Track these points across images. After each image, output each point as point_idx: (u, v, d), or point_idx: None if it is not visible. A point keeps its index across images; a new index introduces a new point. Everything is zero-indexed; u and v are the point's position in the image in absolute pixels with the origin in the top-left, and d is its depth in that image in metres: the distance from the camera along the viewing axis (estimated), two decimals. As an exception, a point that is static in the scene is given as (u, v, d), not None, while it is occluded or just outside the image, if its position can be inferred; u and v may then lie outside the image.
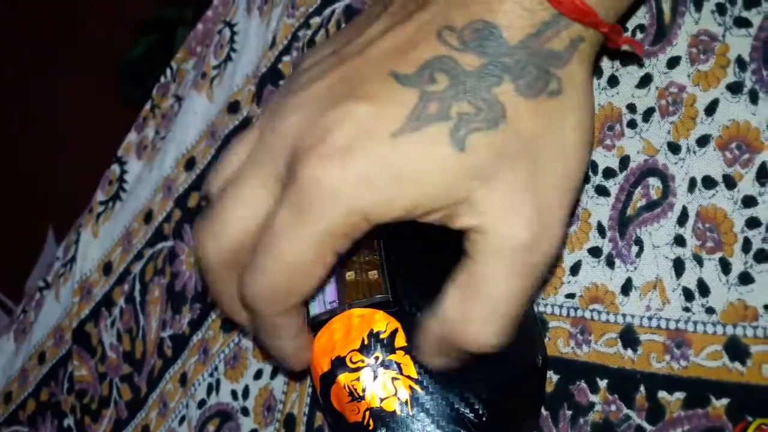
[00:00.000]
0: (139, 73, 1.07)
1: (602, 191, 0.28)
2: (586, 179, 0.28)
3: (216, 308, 0.36)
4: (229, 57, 0.39)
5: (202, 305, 0.37)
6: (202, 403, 0.36)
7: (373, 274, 0.26)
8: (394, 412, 0.24)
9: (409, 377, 0.25)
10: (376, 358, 0.25)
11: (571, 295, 0.28)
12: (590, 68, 0.22)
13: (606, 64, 0.28)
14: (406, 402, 0.25)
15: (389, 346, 0.25)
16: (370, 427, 0.24)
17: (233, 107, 0.38)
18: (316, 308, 0.26)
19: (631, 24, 0.28)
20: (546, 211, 0.21)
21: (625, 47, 0.24)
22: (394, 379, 0.25)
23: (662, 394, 0.26)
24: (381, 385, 0.25)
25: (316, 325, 0.26)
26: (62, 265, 0.44)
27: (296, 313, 0.23)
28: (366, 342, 0.25)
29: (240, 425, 0.35)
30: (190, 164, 0.39)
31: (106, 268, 0.41)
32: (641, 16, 0.27)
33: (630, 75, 0.28)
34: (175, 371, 0.37)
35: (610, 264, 0.28)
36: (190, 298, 0.37)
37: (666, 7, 0.27)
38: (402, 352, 0.25)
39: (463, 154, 0.20)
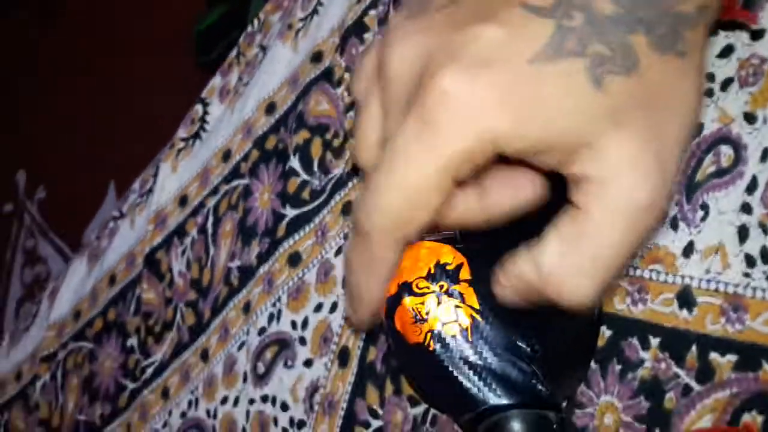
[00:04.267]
0: (213, 40, 1.11)
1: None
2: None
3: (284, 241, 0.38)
4: (316, 11, 0.41)
5: (271, 240, 0.39)
6: (262, 331, 0.38)
7: None
8: (454, 336, 0.26)
9: (471, 307, 0.26)
10: (441, 286, 0.26)
11: None
12: (708, 36, 0.22)
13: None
14: (467, 329, 0.26)
15: (454, 277, 0.27)
16: (430, 348, 0.26)
17: (317, 57, 0.40)
18: None
19: None
20: (666, 167, 0.20)
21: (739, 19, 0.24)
22: (456, 306, 0.26)
23: (714, 356, 0.27)
24: (444, 310, 0.26)
25: None
26: (138, 196, 0.47)
27: (400, 249, 0.21)
28: (432, 271, 0.27)
29: (296, 353, 0.37)
30: (270, 108, 0.41)
31: (182, 200, 0.44)
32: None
33: (711, 44, 0.28)
34: (239, 300, 0.40)
35: (674, 226, 0.28)
36: (260, 233, 0.39)
37: (756, -19, 0.28)
38: (466, 284, 0.27)
39: (599, 92, 0.20)
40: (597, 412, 0.28)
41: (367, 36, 0.38)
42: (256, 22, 0.45)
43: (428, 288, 0.27)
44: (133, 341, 0.44)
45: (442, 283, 0.27)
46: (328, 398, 0.35)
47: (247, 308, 0.39)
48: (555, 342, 0.27)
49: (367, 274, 0.22)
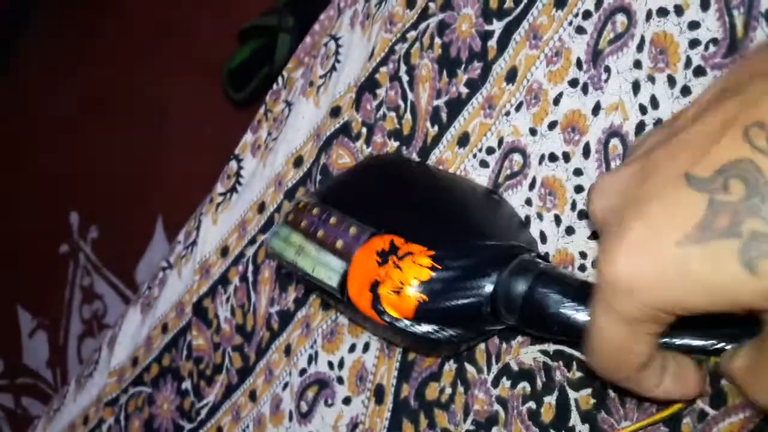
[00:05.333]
0: (243, 77, 1.15)
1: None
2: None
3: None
4: (334, 67, 0.44)
5: (306, 286, 0.42)
6: (303, 372, 0.41)
7: None
8: None
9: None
10: None
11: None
12: None
13: (680, 74, 0.31)
14: None
15: None
16: None
17: (335, 112, 0.43)
18: None
19: (704, 37, 0.30)
20: None
21: None
22: None
23: (724, 382, 0.28)
24: None
25: None
26: (184, 247, 0.50)
27: (642, 369, 0.24)
28: None
29: (335, 392, 0.39)
30: (298, 162, 0.44)
31: (224, 251, 0.47)
32: (714, 30, 0.30)
33: (702, 86, 0.30)
34: (281, 342, 0.42)
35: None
36: (296, 279, 0.42)
37: (738, 23, 0.29)
38: None
39: (753, 277, 0.20)
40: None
41: (379, 91, 0.40)
42: (280, 79, 0.48)
43: None
44: (187, 384, 0.47)
45: None
46: (368, 433, 0.38)
47: (288, 350, 0.42)
48: None
49: (646, 390, 0.25)
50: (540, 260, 0.29)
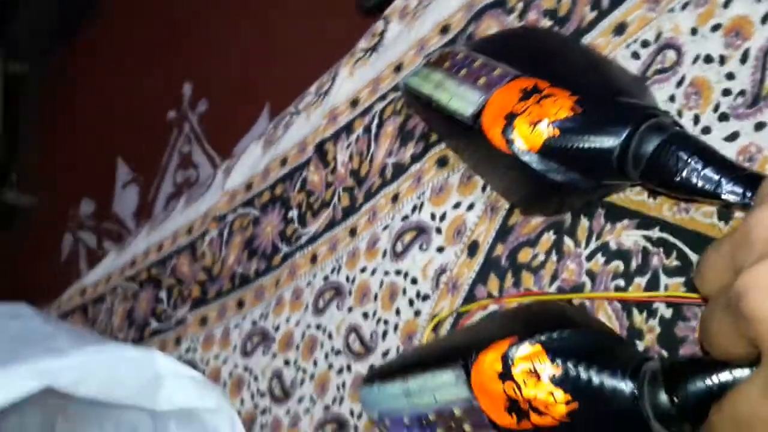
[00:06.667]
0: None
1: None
2: None
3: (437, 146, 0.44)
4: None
5: (425, 144, 0.45)
6: (405, 218, 0.45)
7: None
8: None
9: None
10: None
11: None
12: None
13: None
14: None
15: None
16: None
17: (494, -10, 0.45)
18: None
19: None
20: None
21: None
22: None
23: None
24: None
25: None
26: (315, 96, 0.55)
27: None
28: None
29: (431, 240, 0.43)
30: (444, 29, 0.47)
31: (354, 102, 0.51)
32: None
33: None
34: (390, 190, 0.46)
35: None
36: (417, 136, 0.46)
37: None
38: None
39: None
40: (698, 327, 0.32)
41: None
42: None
43: None
44: (293, 213, 0.52)
45: None
46: (453, 280, 0.41)
47: (395, 198, 0.46)
48: None
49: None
50: (678, 125, 0.31)
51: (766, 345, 0.21)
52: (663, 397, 0.27)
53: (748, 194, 0.28)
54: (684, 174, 0.28)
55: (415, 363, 0.35)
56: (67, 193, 1.83)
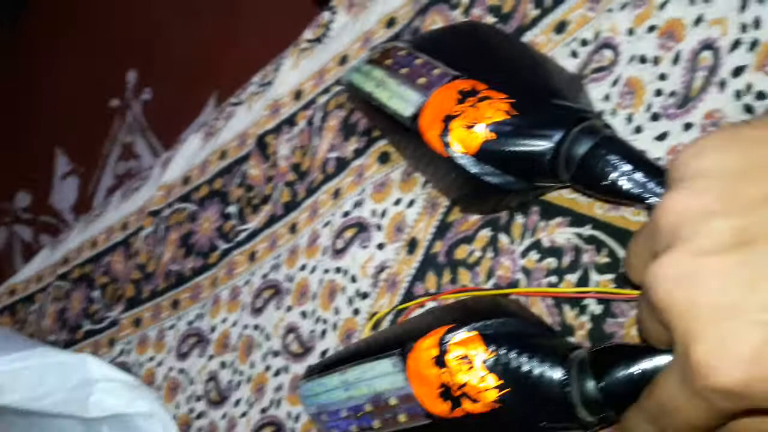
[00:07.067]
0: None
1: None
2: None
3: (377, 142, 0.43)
4: (447, -56, 0.45)
5: (368, 139, 0.44)
6: (346, 214, 0.43)
7: None
8: None
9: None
10: None
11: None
12: None
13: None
14: None
15: None
16: None
17: (441, -16, 0.44)
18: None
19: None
20: None
21: None
22: None
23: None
24: None
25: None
26: (258, 86, 0.53)
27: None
28: None
29: (372, 237, 0.42)
30: (390, 23, 0.45)
31: (297, 94, 0.49)
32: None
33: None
34: (332, 186, 0.45)
35: None
36: (360, 131, 0.44)
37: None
38: None
39: None
40: (626, 323, 0.32)
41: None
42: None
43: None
44: (232, 209, 0.50)
45: None
46: (392, 278, 0.40)
47: (336, 194, 0.44)
48: None
49: None
50: (609, 129, 0.31)
51: (676, 333, 0.21)
52: (590, 384, 0.27)
53: None
54: (612, 177, 0.28)
55: (353, 355, 0.35)
56: (1, 186, 1.75)
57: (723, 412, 0.21)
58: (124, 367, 0.53)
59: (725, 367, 0.20)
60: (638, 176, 0.28)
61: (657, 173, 0.28)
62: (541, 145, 0.30)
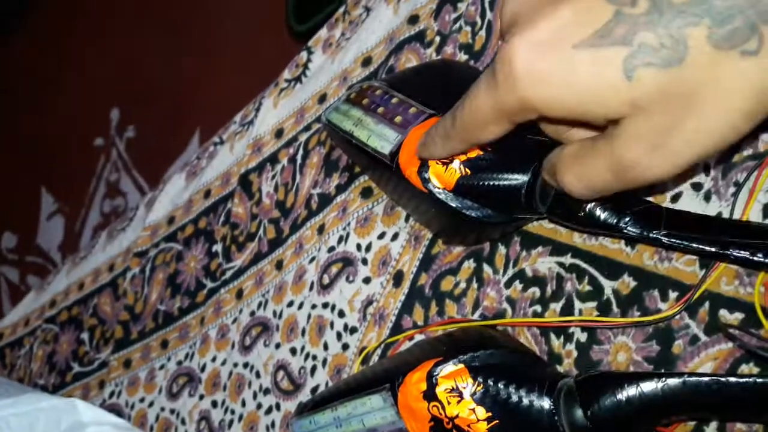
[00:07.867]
0: (308, 9, 1.17)
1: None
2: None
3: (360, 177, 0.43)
4: (419, -18, 0.46)
5: (350, 174, 0.44)
6: (331, 249, 0.44)
7: None
8: None
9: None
10: None
11: None
12: None
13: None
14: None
15: None
16: None
17: (413, 19, 0.45)
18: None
19: None
20: (670, 159, 0.23)
21: None
22: None
23: (723, 312, 0.31)
24: None
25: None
26: (239, 126, 0.53)
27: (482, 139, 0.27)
28: None
29: (358, 271, 0.42)
30: (366, 62, 0.47)
31: (278, 132, 0.50)
32: None
33: None
34: (316, 222, 0.45)
35: (707, 198, 0.32)
36: (341, 167, 0.45)
37: None
38: None
39: (628, 83, 0.21)
40: (612, 350, 0.33)
41: (461, 5, 0.42)
42: (365, -14, 0.50)
43: None
44: (218, 247, 0.51)
45: None
46: (380, 311, 0.41)
47: (321, 229, 0.45)
48: None
49: (443, 143, 0.30)
50: None
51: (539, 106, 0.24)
52: (578, 412, 0.28)
53: (648, 228, 0.29)
54: (587, 209, 0.29)
55: (344, 391, 0.35)
56: (-14, 227, 1.74)
57: (507, 110, 0.24)
58: (116, 408, 0.53)
59: (520, 51, 0.23)
60: (613, 206, 0.29)
61: (632, 203, 0.29)
62: (516, 179, 0.31)
